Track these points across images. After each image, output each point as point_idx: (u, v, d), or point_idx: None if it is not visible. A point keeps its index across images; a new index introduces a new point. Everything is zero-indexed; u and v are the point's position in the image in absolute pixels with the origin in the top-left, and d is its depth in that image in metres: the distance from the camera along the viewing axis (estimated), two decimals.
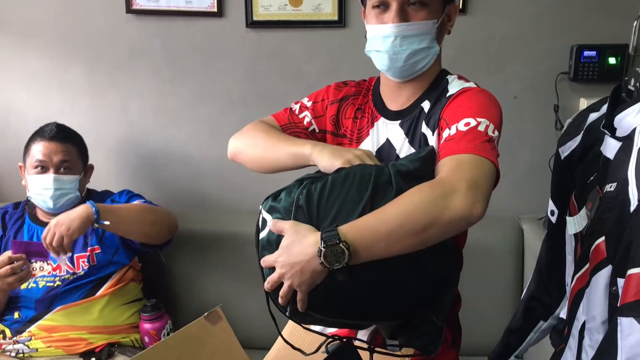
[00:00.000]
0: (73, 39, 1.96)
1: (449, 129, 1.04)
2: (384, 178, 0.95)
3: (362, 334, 1.18)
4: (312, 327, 1.11)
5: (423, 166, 0.99)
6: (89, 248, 1.68)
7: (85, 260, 1.67)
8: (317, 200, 0.95)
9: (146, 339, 1.70)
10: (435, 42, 1.14)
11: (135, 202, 1.74)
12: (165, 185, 2.07)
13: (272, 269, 0.96)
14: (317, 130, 1.29)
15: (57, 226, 1.52)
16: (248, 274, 1.88)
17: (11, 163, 2.03)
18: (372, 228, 0.90)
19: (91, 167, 1.81)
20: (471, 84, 1.15)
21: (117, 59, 1.96)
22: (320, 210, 0.95)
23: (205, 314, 1.08)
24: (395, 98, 1.20)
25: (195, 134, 2.01)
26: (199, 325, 1.06)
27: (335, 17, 1.86)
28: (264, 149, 1.21)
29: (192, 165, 2.04)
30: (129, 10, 1.90)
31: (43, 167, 1.65)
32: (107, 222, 1.56)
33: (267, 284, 0.97)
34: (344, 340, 1.03)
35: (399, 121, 1.18)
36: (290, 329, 1.21)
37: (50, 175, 1.64)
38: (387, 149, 1.19)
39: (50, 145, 1.66)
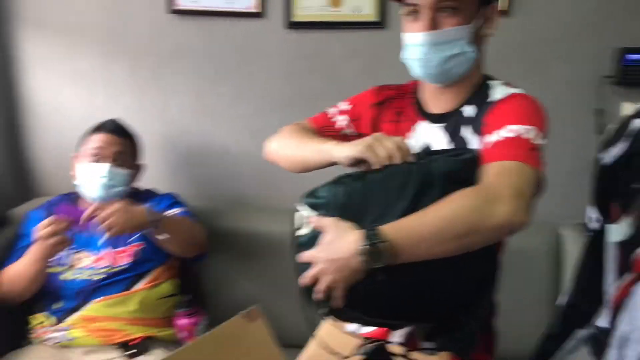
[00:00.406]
0: (117, 39, 2.01)
1: (493, 134, 1.04)
2: (428, 179, 0.95)
3: (397, 335, 1.18)
4: (347, 326, 1.13)
5: (468, 169, 0.99)
6: (132, 244, 1.72)
7: (127, 255, 1.71)
8: (358, 198, 0.96)
9: (180, 335, 1.74)
10: (470, 47, 1.13)
11: (181, 217, 1.76)
12: (202, 183, 2.10)
13: (309, 265, 0.98)
14: (352, 134, 1.30)
15: (120, 214, 1.53)
16: (283, 272, 1.90)
17: (55, 158, 2.10)
18: (414, 230, 0.91)
19: (142, 167, 1.86)
20: (517, 90, 1.15)
21: (159, 57, 2.01)
22: (361, 209, 0.96)
23: (243, 312, 1.10)
24: (437, 102, 1.20)
25: (233, 133, 2.04)
26: (235, 323, 1.08)
27: (376, 19, 1.86)
28: (294, 148, 1.25)
29: (229, 164, 2.07)
30: (171, 10, 1.94)
31: (99, 156, 1.71)
32: (161, 237, 1.62)
33: (304, 279, 0.98)
34: (377, 343, 1.03)
35: (441, 124, 1.18)
36: (324, 332, 1.22)
37: (105, 165, 1.70)
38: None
39: (108, 137, 1.74)
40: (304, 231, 1.00)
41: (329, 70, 1.94)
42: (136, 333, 1.67)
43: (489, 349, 1.25)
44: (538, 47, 1.84)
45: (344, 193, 0.97)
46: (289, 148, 1.28)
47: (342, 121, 1.30)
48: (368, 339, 1.06)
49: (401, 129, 1.23)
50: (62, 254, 1.67)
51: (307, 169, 1.24)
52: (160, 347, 1.68)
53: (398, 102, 1.26)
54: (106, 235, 1.55)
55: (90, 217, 1.53)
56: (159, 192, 1.88)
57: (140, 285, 1.72)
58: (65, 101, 2.08)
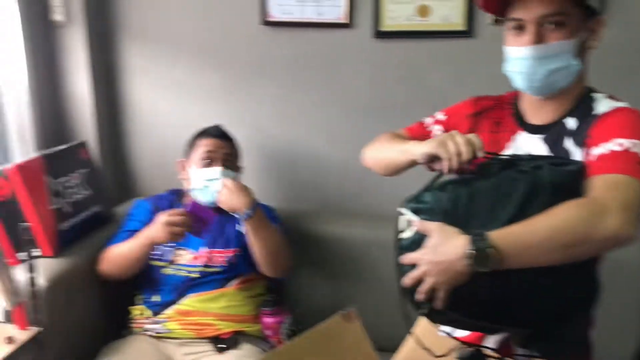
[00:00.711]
0: (212, 49, 2.12)
1: (600, 147, 1.05)
2: (535, 188, 0.98)
3: (492, 342, 1.20)
4: (441, 328, 1.15)
5: (574, 180, 1.00)
6: (232, 248, 1.82)
7: (225, 258, 1.80)
8: (463, 205, 0.99)
9: (266, 332, 1.82)
10: (574, 59, 1.14)
11: (276, 228, 1.83)
12: (288, 187, 2.18)
13: (411, 267, 1.02)
14: None
15: (236, 186, 1.73)
16: (367, 275, 1.95)
17: (153, 161, 2.25)
18: (522, 237, 0.94)
19: (242, 169, 1.96)
20: (623, 104, 1.14)
21: (250, 67, 2.10)
22: (465, 216, 1.00)
23: (340, 312, 1.15)
24: (538, 114, 1.21)
25: (320, 139, 2.11)
26: (334, 323, 1.13)
27: (464, 28, 1.88)
28: (384, 152, 1.31)
29: (315, 168, 2.14)
30: (264, 22, 2.03)
31: (210, 160, 1.82)
32: (251, 229, 1.73)
33: (407, 280, 1.03)
34: (474, 349, 1.06)
35: (542, 135, 1.19)
36: (419, 332, 1.25)
37: (218, 168, 1.80)
38: None
39: (216, 142, 1.85)
40: (407, 234, 1.04)
41: (416, 78, 1.97)
42: (226, 328, 1.77)
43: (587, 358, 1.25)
44: (636, 48, 1.79)
45: (448, 199, 1.01)
46: (380, 152, 1.34)
47: (437, 131, 1.34)
48: (463, 342, 1.09)
49: (500, 139, 1.25)
50: (166, 249, 1.80)
51: (395, 171, 1.29)
52: (249, 342, 1.77)
53: (496, 113, 1.28)
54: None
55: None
56: (258, 200, 1.97)
57: (232, 285, 1.82)
58: (163, 108, 2.21)
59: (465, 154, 1.03)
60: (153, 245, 1.72)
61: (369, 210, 2.08)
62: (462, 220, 0.99)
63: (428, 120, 1.37)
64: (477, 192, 1.00)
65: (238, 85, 2.13)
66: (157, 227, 1.66)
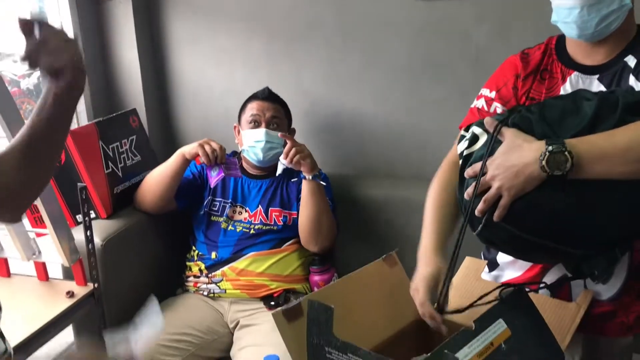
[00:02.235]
0: (255, 17, 2.14)
1: None
2: (608, 105, 0.96)
3: (549, 278, 1.18)
4: (484, 275, 1.15)
5: None
6: (287, 210, 1.87)
7: (282, 218, 1.85)
8: (534, 119, 0.98)
9: (315, 289, 1.86)
10: (625, 0, 1.09)
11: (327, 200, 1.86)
12: (333, 150, 2.19)
13: (473, 180, 1.01)
14: None
15: (304, 148, 1.81)
16: (409, 235, 1.94)
17: (200, 128, 2.30)
18: (600, 146, 0.93)
19: (293, 130, 2.00)
20: None
21: (292, 32, 2.11)
22: (535, 129, 0.98)
23: (383, 256, 1.17)
24: (590, 55, 1.18)
25: (363, 101, 2.11)
26: (377, 266, 1.15)
27: None
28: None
29: (359, 131, 2.14)
30: None
31: (256, 122, 1.87)
32: (320, 182, 1.81)
33: (470, 189, 1.01)
34: (517, 287, 1.05)
35: (598, 75, 1.16)
36: (462, 275, 1.25)
37: (262, 129, 1.85)
38: None
39: (263, 104, 1.89)
40: (477, 147, 1.02)
41: (458, 34, 1.94)
42: (277, 288, 1.81)
43: None
44: None
45: (518, 118, 1.00)
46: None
47: (498, 109, 1.26)
48: (507, 285, 1.08)
49: (552, 85, 1.21)
50: (223, 204, 1.88)
51: None
52: (298, 297, 1.79)
53: (544, 61, 1.24)
54: (286, 162, 1.78)
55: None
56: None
57: (286, 246, 1.86)
58: (208, 76, 2.25)
59: None
60: (182, 158, 1.80)
61: (412, 172, 2.06)
62: (533, 132, 0.98)
63: (480, 104, 1.29)
64: (548, 106, 0.99)
65: (282, 51, 2.15)
66: (192, 144, 1.78)
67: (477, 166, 1.00)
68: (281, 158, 1.80)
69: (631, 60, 1.13)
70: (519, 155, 0.95)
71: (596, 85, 1.16)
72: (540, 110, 1.00)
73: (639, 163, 0.91)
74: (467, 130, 1.08)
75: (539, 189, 0.95)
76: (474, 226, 1.04)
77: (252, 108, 1.90)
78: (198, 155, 1.76)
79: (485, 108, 1.28)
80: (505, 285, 1.06)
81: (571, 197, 0.94)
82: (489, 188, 0.99)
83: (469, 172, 1.03)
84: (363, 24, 2.03)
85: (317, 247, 1.83)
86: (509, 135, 0.99)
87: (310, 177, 1.77)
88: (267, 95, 1.92)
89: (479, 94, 1.31)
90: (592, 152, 0.92)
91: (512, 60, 1.29)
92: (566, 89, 1.19)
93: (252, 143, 1.85)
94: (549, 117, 0.99)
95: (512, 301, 1.03)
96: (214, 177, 1.83)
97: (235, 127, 1.99)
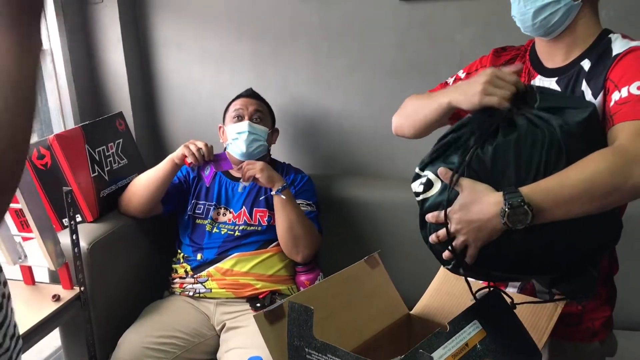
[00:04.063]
0: (241, 18, 2.15)
1: (620, 91, 1.03)
2: (555, 142, 0.97)
3: (512, 286, 1.21)
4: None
5: (589, 126, 0.99)
6: (272, 210, 1.86)
7: (266, 218, 1.86)
8: (489, 162, 0.99)
9: (301, 289, 1.87)
10: None
11: (302, 209, 1.87)
12: (318, 151, 2.21)
13: (437, 225, 1.01)
14: None
15: (263, 166, 1.78)
16: (392, 235, 1.97)
17: (187, 130, 2.31)
18: (555, 192, 0.93)
19: (277, 130, 2.03)
20: (638, 43, 1.12)
21: (278, 34, 2.13)
22: (492, 173, 0.99)
23: (365, 257, 1.18)
24: (551, 56, 1.21)
25: (348, 103, 2.12)
26: (359, 267, 1.16)
27: None
28: (414, 112, 1.30)
29: (344, 133, 2.16)
30: None
31: (240, 117, 1.91)
32: (283, 197, 1.77)
33: (434, 237, 1.02)
34: (492, 288, 1.07)
35: (556, 78, 1.19)
36: (442, 275, 1.27)
37: (245, 122, 1.89)
38: None
39: (246, 100, 1.95)
40: (431, 193, 1.03)
41: (442, 38, 1.96)
42: (263, 288, 1.82)
43: (609, 300, 1.26)
44: None
45: (475, 158, 0.99)
46: (408, 115, 1.33)
47: None
48: (486, 286, 1.10)
49: None
50: (207, 207, 1.90)
51: (430, 128, 1.28)
52: (284, 299, 1.81)
53: (517, 62, 1.28)
54: (243, 181, 1.79)
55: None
56: (300, 171, 2.03)
57: (271, 247, 1.87)
58: (195, 79, 2.27)
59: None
60: (172, 163, 1.80)
61: (398, 173, 2.08)
62: (489, 179, 0.99)
63: (450, 80, 1.38)
64: (502, 149, 0.98)
65: (268, 53, 2.16)
66: (179, 148, 1.79)
67: (441, 216, 1.00)
68: (241, 180, 1.82)
69: (586, 64, 1.15)
70: (479, 210, 0.96)
71: (554, 88, 1.19)
72: (494, 155, 0.99)
73: (596, 201, 0.92)
74: (422, 169, 1.07)
75: (504, 235, 0.96)
76: (443, 263, 1.06)
77: (236, 104, 1.95)
78: (185, 156, 1.77)
79: (451, 84, 1.35)
80: (483, 287, 1.08)
81: (533, 237, 0.95)
82: (454, 236, 1.00)
83: (429, 218, 1.03)
84: (348, 26, 2.05)
85: (299, 257, 1.84)
86: (466, 186, 0.99)
87: (274, 193, 1.78)
88: (250, 93, 1.99)
89: (457, 73, 1.39)
90: (550, 200, 0.93)
91: (489, 53, 1.35)
92: None
93: (235, 135, 1.88)
94: (504, 163, 0.98)
95: (487, 302, 1.04)
96: (208, 176, 1.83)
97: (220, 127, 2.01)
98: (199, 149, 1.77)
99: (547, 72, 1.21)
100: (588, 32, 1.17)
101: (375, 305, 1.14)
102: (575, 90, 1.16)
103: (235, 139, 1.88)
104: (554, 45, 1.20)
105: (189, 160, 1.77)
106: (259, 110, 1.94)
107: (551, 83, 1.20)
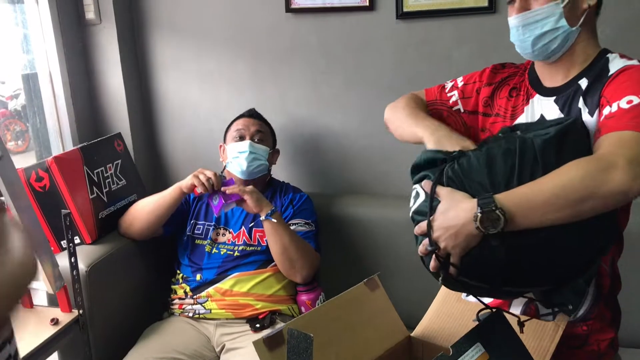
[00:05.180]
0: (239, 39, 2.16)
1: (610, 106, 1.05)
2: (529, 154, 0.98)
3: (515, 307, 1.20)
4: (464, 297, 1.16)
5: (566, 138, 1.00)
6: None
7: (265, 238, 1.84)
8: (465, 175, 1.01)
9: (302, 309, 1.86)
10: (562, 22, 1.15)
11: (300, 229, 1.87)
12: (316, 170, 2.21)
13: (425, 237, 1.03)
14: (462, 111, 1.37)
15: (253, 190, 1.77)
16: (391, 253, 1.96)
17: (186, 150, 2.31)
18: (528, 197, 0.94)
19: (277, 151, 2.03)
20: (634, 62, 1.13)
21: (277, 53, 2.14)
22: (468, 184, 1.01)
23: (365, 280, 1.17)
24: (550, 76, 1.23)
25: (347, 122, 2.13)
26: (359, 290, 1.15)
27: (485, 4, 1.87)
28: (401, 122, 1.36)
29: (342, 151, 2.16)
30: (288, 9, 2.06)
31: (241, 137, 1.92)
32: (274, 220, 1.76)
33: (422, 247, 1.04)
34: (494, 310, 1.06)
35: (554, 97, 1.20)
36: (442, 297, 1.26)
37: (246, 141, 1.90)
38: None
39: (247, 120, 1.96)
40: (418, 203, 1.06)
41: (440, 57, 1.97)
42: (263, 309, 1.81)
43: (614, 322, 1.25)
44: None
45: (452, 169, 1.03)
46: (396, 121, 1.39)
47: (454, 97, 1.36)
48: (486, 306, 1.09)
49: (517, 104, 1.27)
50: (206, 227, 1.89)
51: (410, 142, 1.35)
52: (284, 321, 1.80)
53: (515, 80, 1.30)
54: (230, 204, 1.76)
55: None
56: (299, 189, 2.02)
57: (271, 267, 1.86)
58: (193, 99, 2.27)
59: None
60: (179, 191, 1.80)
61: (396, 191, 2.09)
62: (466, 189, 1.01)
63: (449, 85, 1.40)
64: (476, 162, 1.01)
65: (265, 73, 2.17)
66: (187, 177, 1.79)
67: (423, 225, 1.03)
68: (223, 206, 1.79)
69: (584, 83, 1.17)
70: (455, 216, 0.98)
71: (552, 107, 1.20)
72: (468, 167, 1.02)
73: (570, 207, 0.92)
74: (414, 183, 1.12)
75: (480, 244, 0.97)
76: (435, 276, 1.07)
77: (238, 124, 1.96)
78: (195, 186, 1.76)
79: (447, 90, 1.39)
80: (484, 307, 1.07)
81: (511, 247, 0.96)
82: (437, 245, 1.01)
83: (416, 230, 1.06)
84: (346, 45, 2.06)
85: (297, 278, 1.83)
86: (444, 195, 1.01)
87: (263, 218, 1.77)
88: (251, 113, 2.00)
89: (456, 78, 1.41)
90: (523, 206, 0.94)
91: (487, 69, 1.37)
92: (528, 110, 1.24)
93: (236, 154, 1.89)
94: (480, 174, 1.00)
95: (490, 324, 1.04)
96: (217, 206, 1.81)
97: (220, 146, 2.01)
98: (208, 179, 1.76)
99: (546, 92, 1.23)
100: (587, 53, 1.19)
101: (376, 328, 1.14)
102: (571, 107, 1.17)
103: (236, 157, 1.89)
104: (553, 67, 1.22)
105: (199, 190, 1.76)
106: (261, 130, 1.95)
107: (549, 102, 1.21)
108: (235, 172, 1.91)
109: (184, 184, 1.79)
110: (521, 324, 1.07)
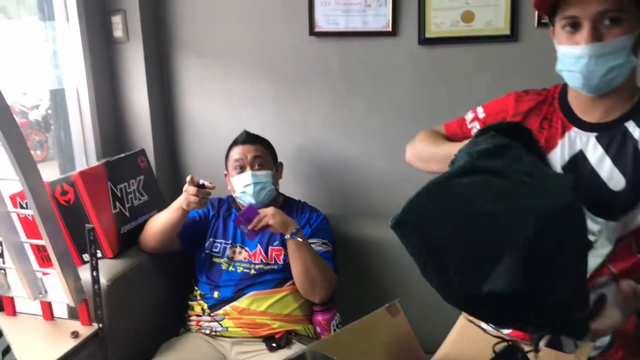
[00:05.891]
0: (263, 61, 2.20)
1: None
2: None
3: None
4: (484, 325, 1.16)
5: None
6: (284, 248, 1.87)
7: (282, 257, 1.86)
8: None
9: (318, 329, 1.87)
10: (631, 56, 1.11)
11: (318, 249, 1.87)
12: (334, 191, 2.23)
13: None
14: None
15: (275, 211, 1.77)
16: (406, 277, 1.97)
17: (208, 169, 2.34)
18: None
19: (281, 164, 2.05)
20: None
21: (299, 76, 2.17)
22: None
23: (386, 305, 1.18)
24: (590, 111, 1.19)
25: (366, 145, 2.15)
26: (379, 315, 1.16)
27: (507, 32, 1.89)
28: (430, 152, 1.34)
29: (361, 174, 2.18)
30: (312, 32, 2.10)
31: (241, 167, 1.92)
32: (299, 239, 1.77)
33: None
34: (511, 342, 1.06)
35: (596, 134, 1.18)
36: (461, 325, 1.26)
37: (247, 173, 1.89)
38: (580, 160, 1.19)
39: (243, 147, 1.94)
40: None
41: (461, 83, 1.99)
42: (279, 328, 1.82)
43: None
44: None
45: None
46: (424, 152, 1.38)
47: (475, 129, 1.34)
48: (503, 338, 1.08)
49: (551, 135, 1.23)
50: (223, 246, 1.91)
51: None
52: (300, 341, 1.81)
53: (544, 109, 1.26)
54: (255, 224, 1.75)
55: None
56: (316, 209, 2.03)
57: (287, 285, 1.87)
58: (216, 118, 2.31)
59: None
60: (181, 210, 1.80)
61: None
62: None
63: (469, 116, 1.38)
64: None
65: (288, 94, 2.20)
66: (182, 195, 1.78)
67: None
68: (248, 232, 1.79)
69: (632, 127, 1.14)
70: None
71: (593, 144, 1.17)
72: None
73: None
74: None
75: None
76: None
77: (235, 153, 1.95)
78: (193, 203, 1.76)
79: (467, 122, 1.37)
80: (500, 339, 1.07)
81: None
82: None
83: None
84: (367, 69, 2.09)
85: (316, 298, 1.84)
86: None
87: (288, 236, 1.78)
88: (245, 139, 1.97)
89: (476, 108, 1.38)
90: None
91: (509, 96, 1.33)
92: (564, 143, 1.21)
93: (243, 189, 1.90)
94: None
95: (507, 356, 1.04)
96: (250, 234, 1.80)
97: (225, 174, 2.03)
98: (195, 196, 1.74)
99: (586, 126, 1.19)
100: (632, 89, 1.17)
101: (395, 354, 1.14)
102: (622, 152, 1.14)
103: (244, 192, 1.90)
104: (597, 100, 1.17)
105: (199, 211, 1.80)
106: (258, 155, 1.94)
107: (589, 138, 1.18)
108: (247, 201, 1.91)
109: (181, 201, 1.78)
110: (536, 350, 1.05)
